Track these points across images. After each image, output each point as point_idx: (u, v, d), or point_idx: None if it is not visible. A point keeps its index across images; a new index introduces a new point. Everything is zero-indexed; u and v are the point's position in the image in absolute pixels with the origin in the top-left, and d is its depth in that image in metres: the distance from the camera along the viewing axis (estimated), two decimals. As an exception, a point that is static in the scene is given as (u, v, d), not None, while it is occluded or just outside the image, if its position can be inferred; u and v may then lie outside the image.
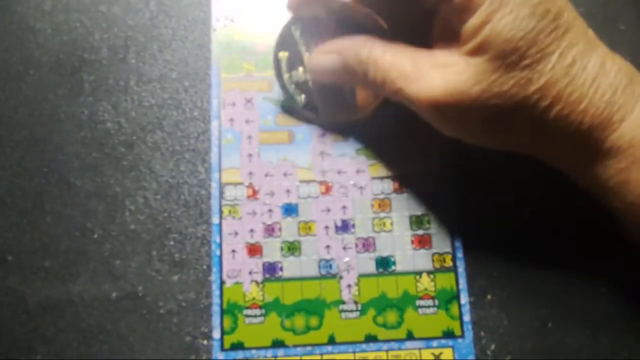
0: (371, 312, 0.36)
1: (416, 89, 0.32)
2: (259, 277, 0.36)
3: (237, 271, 0.36)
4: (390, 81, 0.33)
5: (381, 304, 0.36)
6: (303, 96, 0.38)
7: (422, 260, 0.37)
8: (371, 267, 0.36)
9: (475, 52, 0.31)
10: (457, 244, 0.37)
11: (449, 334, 0.36)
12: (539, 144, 0.33)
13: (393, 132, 0.38)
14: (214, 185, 0.37)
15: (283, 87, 0.38)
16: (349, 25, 0.37)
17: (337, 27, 0.37)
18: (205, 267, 0.36)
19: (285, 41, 0.38)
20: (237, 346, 0.35)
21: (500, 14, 0.30)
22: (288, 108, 0.39)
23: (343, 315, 0.36)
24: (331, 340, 0.35)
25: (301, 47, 0.38)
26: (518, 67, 0.30)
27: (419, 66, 0.32)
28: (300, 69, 0.38)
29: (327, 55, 0.36)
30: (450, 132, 0.34)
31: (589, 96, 0.31)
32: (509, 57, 0.30)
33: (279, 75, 0.38)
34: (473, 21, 0.31)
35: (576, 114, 0.31)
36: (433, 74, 0.32)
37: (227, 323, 0.35)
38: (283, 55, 0.38)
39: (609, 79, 0.31)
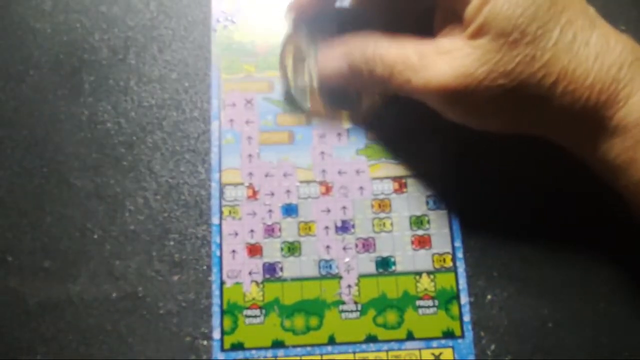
0: (371, 312, 0.36)
1: (423, 78, 0.32)
2: (259, 278, 0.36)
3: (237, 271, 0.36)
4: (398, 73, 0.33)
5: (381, 304, 0.36)
6: (309, 98, 0.38)
7: (422, 260, 0.37)
8: (371, 268, 0.36)
9: (477, 34, 0.31)
10: (457, 244, 0.37)
11: (449, 334, 0.36)
12: (546, 123, 0.33)
13: (393, 133, 0.38)
14: (214, 186, 0.37)
15: (289, 91, 0.38)
16: (352, 26, 0.37)
17: (341, 29, 0.37)
18: (205, 267, 0.36)
19: (290, 46, 0.38)
20: (237, 346, 0.35)
21: None
22: (294, 111, 0.39)
23: (343, 315, 0.36)
24: (331, 341, 0.35)
25: (306, 51, 0.38)
26: (521, 44, 0.31)
27: (424, 55, 0.33)
28: (306, 73, 0.38)
29: (333, 60, 0.36)
30: (459, 118, 0.34)
31: (594, 71, 0.31)
32: (511, 35, 0.31)
33: (284, 79, 0.38)
34: (473, 4, 0.31)
35: (582, 89, 0.31)
36: (439, 61, 0.32)
37: (227, 323, 0.35)
38: (288, 60, 0.38)
39: (613, 56, 0.31)
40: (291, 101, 0.38)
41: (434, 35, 0.35)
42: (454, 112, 0.34)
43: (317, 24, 0.38)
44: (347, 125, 0.38)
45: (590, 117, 0.32)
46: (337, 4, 0.38)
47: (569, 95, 0.31)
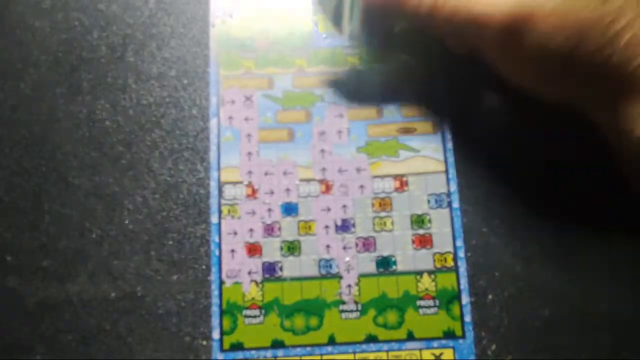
0: (371, 312, 0.36)
1: (484, 3, 0.31)
2: (259, 277, 0.36)
3: (236, 271, 0.36)
4: None
5: (381, 304, 0.36)
6: (347, 25, 0.37)
7: (422, 260, 0.36)
8: (371, 267, 0.36)
9: None
10: (459, 243, 0.37)
11: (449, 334, 0.35)
12: (596, 82, 0.31)
13: (395, 130, 0.38)
14: (213, 184, 0.37)
15: (329, 12, 0.37)
16: None
17: None
18: (204, 267, 0.36)
19: None
20: (237, 346, 0.35)
21: None
22: (331, 33, 0.38)
23: (343, 315, 0.36)
24: (331, 341, 0.35)
25: None
26: None
27: None
28: None
29: None
30: (506, 66, 0.33)
31: None
32: None
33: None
34: None
35: None
36: None
37: (227, 323, 0.35)
38: None
39: None
40: (329, 21, 0.38)
41: None
42: (504, 57, 0.32)
43: None
44: (378, 59, 0.38)
45: (633, 76, 0.30)
46: None
47: (631, 49, 0.30)
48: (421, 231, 0.37)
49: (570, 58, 0.31)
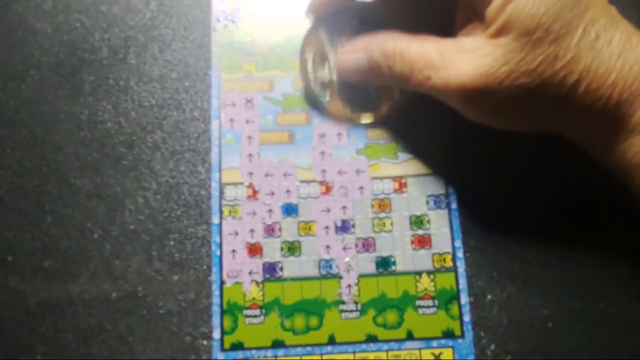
0: (371, 312, 0.36)
1: (444, 77, 0.32)
2: (259, 277, 0.36)
3: (237, 271, 0.36)
4: (418, 71, 0.33)
5: (381, 304, 0.36)
6: (328, 95, 0.38)
7: (422, 260, 0.37)
8: (371, 268, 0.36)
9: (500, 32, 0.31)
10: (457, 244, 0.37)
11: (448, 334, 0.36)
12: (566, 122, 0.33)
13: (395, 133, 0.38)
14: (214, 186, 0.37)
15: (308, 86, 0.38)
16: (373, 24, 0.37)
17: (362, 26, 0.38)
18: (205, 267, 0.36)
19: (311, 41, 0.38)
20: (237, 346, 0.35)
21: None
22: (312, 106, 0.39)
23: (343, 315, 0.36)
24: (331, 341, 0.35)
25: (327, 46, 0.38)
26: (544, 43, 0.30)
27: (445, 54, 0.33)
28: (326, 68, 0.38)
29: (353, 54, 0.36)
30: (479, 118, 0.34)
31: (616, 70, 0.31)
32: (534, 33, 0.30)
33: (304, 74, 0.38)
34: (495, 3, 0.31)
35: (605, 88, 0.31)
36: (460, 60, 0.32)
37: (227, 323, 0.35)
38: (309, 54, 0.38)
39: (635, 53, 0.31)
40: (310, 95, 0.39)
41: (454, 34, 0.35)
42: (474, 112, 0.33)
43: (338, 18, 0.38)
44: (363, 121, 0.38)
45: (611, 115, 0.31)
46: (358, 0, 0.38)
47: (591, 94, 0.31)
48: (420, 232, 0.37)
49: (534, 109, 0.32)
